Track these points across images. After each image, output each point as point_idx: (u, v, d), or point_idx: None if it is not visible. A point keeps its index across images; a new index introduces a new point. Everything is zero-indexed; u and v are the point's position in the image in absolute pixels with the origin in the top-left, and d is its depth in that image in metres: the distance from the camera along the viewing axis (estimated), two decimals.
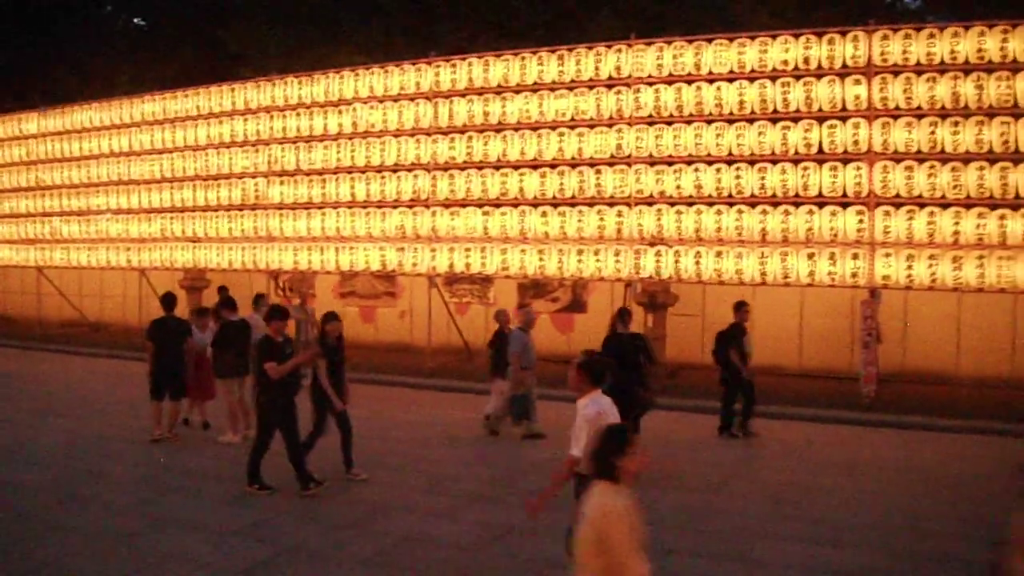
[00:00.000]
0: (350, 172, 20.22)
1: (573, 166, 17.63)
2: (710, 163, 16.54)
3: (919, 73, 15.47)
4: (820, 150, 15.92)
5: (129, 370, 20.36)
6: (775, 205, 16.11)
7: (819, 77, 15.96)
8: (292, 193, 21.17)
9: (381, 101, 19.86)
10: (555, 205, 17.78)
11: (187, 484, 10.73)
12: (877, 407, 15.35)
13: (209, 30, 29.56)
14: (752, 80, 16.32)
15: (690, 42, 16.75)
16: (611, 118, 17.36)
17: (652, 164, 16.97)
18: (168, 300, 13.70)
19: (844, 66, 15.84)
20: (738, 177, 16.31)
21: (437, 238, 19.11)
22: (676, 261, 16.66)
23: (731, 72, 16.46)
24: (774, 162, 16.12)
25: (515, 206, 18.16)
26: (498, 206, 18.36)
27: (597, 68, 17.42)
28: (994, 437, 13.87)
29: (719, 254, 16.36)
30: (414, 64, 19.49)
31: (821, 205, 15.86)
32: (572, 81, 17.65)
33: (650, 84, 17.01)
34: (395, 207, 19.64)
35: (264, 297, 17.41)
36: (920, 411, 15.17)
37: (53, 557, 8.06)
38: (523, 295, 21.12)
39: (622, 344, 11.12)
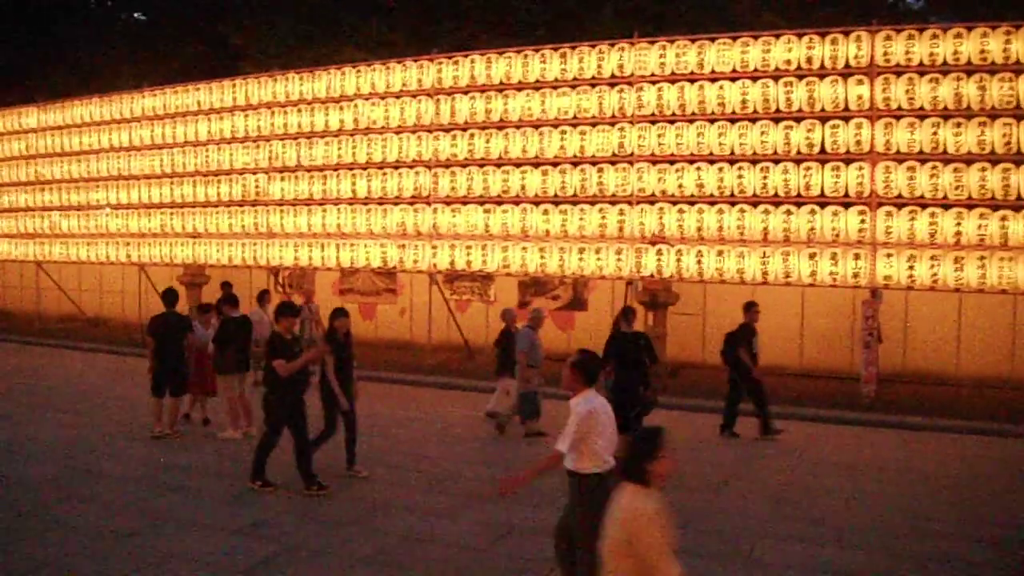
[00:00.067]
0: (351, 168, 20.21)
1: (575, 164, 17.62)
2: (712, 162, 16.54)
3: (922, 74, 15.49)
4: (822, 150, 15.94)
5: (128, 366, 20.35)
6: (777, 204, 16.12)
7: (822, 77, 15.97)
8: (293, 189, 21.16)
9: (383, 97, 19.85)
10: (557, 203, 17.78)
11: (187, 482, 10.66)
12: (877, 407, 15.36)
13: (210, 26, 29.51)
14: (755, 79, 16.32)
15: (693, 41, 16.75)
16: (613, 116, 17.36)
17: (654, 163, 16.97)
18: (169, 296, 13.60)
19: (847, 66, 15.85)
20: (740, 176, 16.30)
21: (438, 235, 19.10)
22: (678, 260, 16.66)
23: (734, 71, 16.46)
24: (776, 161, 16.12)
25: (517, 204, 18.15)
26: (500, 203, 18.36)
27: (600, 66, 17.41)
28: (994, 438, 13.89)
29: (721, 253, 16.36)
30: (416, 61, 19.48)
31: (823, 205, 15.86)
32: (575, 79, 17.65)
33: (653, 83, 17.00)
34: (396, 204, 19.63)
35: (268, 294, 17.44)
36: (920, 411, 15.19)
37: (53, 556, 7.99)
38: (524, 293, 21.12)
39: (625, 343, 11.10)
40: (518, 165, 18.15)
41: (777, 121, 16.18)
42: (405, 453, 12.25)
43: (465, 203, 18.78)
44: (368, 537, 8.66)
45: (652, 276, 16.97)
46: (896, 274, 15.44)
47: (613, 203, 17.29)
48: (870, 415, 14.96)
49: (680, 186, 16.75)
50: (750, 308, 13.77)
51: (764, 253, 16.09)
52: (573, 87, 17.67)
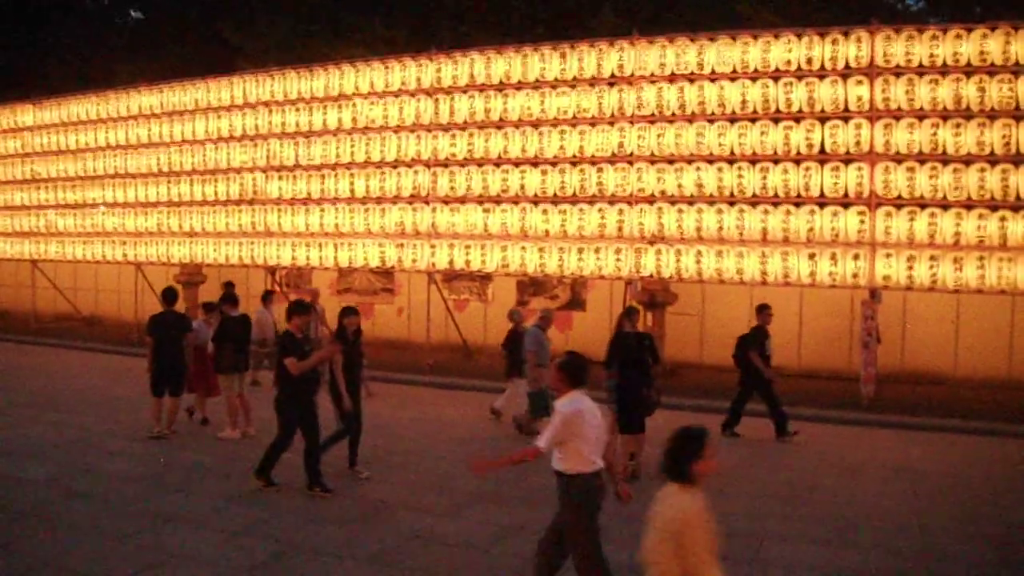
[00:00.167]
0: (349, 168, 20.16)
1: (574, 164, 17.60)
2: (712, 162, 16.53)
3: (921, 74, 15.48)
4: (822, 150, 15.93)
5: (124, 365, 20.29)
6: (776, 205, 16.11)
7: (822, 77, 15.96)
8: (291, 188, 21.11)
9: (382, 96, 19.79)
10: (556, 203, 17.76)
11: (187, 481, 10.65)
12: (877, 407, 15.37)
13: (207, 24, 29.45)
14: (755, 79, 16.31)
15: (693, 41, 16.73)
16: (613, 116, 17.34)
17: (654, 162, 16.95)
18: (169, 295, 13.58)
19: (847, 67, 15.85)
20: (740, 176, 16.30)
21: (437, 235, 19.06)
22: (677, 260, 16.65)
23: (734, 71, 16.45)
24: (776, 162, 16.11)
25: (516, 203, 18.13)
26: (499, 203, 18.33)
27: (599, 65, 17.40)
28: (993, 438, 13.89)
29: (720, 253, 16.36)
30: (415, 59, 19.44)
31: (822, 205, 15.87)
32: (574, 78, 17.62)
33: (652, 82, 16.98)
34: (395, 203, 19.59)
35: (273, 294, 17.40)
36: (919, 411, 15.20)
37: (54, 556, 7.97)
38: (522, 293, 21.12)
39: (628, 343, 11.08)
40: (517, 164, 18.12)
41: (777, 121, 16.17)
42: (405, 453, 12.24)
43: (464, 202, 18.74)
44: (370, 536, 8.66)
45: (651, 276, 16.96)
46: (895, 274, 15.44)
47: (612, 203, 17.27)
48: (870, 415, 14.96)
49: (679, 186, 16.73)
50: (763, 310, 13.66)
51: (763, 253, 16.09)
52: (572, 86, 17.65)
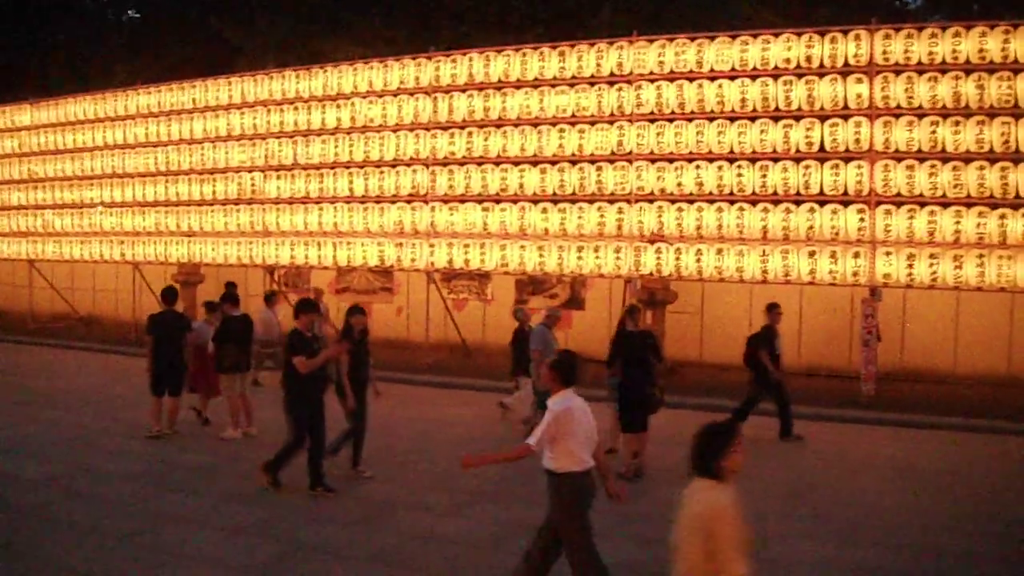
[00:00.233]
0: (348, 167, 20.15)
1: (574, 162, 17.59)
2: (711, 160, 16.54)
3: (921, 72, 15.51)
4: (822, 148, 15.95)
5: (122, 365, 20.27)
6: (776, 203, 16.13)
7: (821, 76, 15.97)
8: (289, 187, 21.09)
9: (380, 95, 19.78)
10: (555, 201, 17.75)
11: (189, 481, 10.63)
12: (877, 405, 15.36)
13: (205, 23, 29.38)
14: (754, 78, 16.33)
15: (692, 39, 16.74)
16: (612, 115, 17.35)
17: (653, 161, 16.96)
18: (168, 294, 13.54)
19: (846, 65, 15.86)
20: (739, 175, 16.31)
21: (436, 234, 19.05)
22: (677, 258, 16.65)
23: (733, 70, 16.46)
24: (776, 160, 16.13)
25: (515, 202, 18.12)
26: (498, 202, 18.32)
27: (599, 64, 17.40)
28: (993, 435, 13.89)
29: (720, 252, 16.36)
30: (414, 59, 19.43)
31: (822, 203, 15.88)
32: (573, 77, 17.62)
33: (652, 81, 16.99)
34: (394, 202, 19.58)
35: (277, 294, 17.36)
36: (920, 409, 15.19)
37: (56, 556, 7.94)
38: (521, 292, 21.09)
39: (632, 342, 11.07)
40: (516, 163, 18.11)
41: (776, 120, 16.19)
42: (407, 452, 12.21)
43: (463, 201, 18.73)
44: (373, 536, 8.66)
45: (651, 275, 16.95)
46: (895, 272, 15.46)
47: (612, 201, 17.28)
48: (870, 413, 14.95)
49: (679, 184, 16.74)
50: (772, 309, 13.55)
51: (763, 251, 16.10)
52: (572, 85, 17.64)
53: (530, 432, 13.02)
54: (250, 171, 21.77)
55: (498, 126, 18.35)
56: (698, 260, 16.50)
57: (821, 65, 15.96)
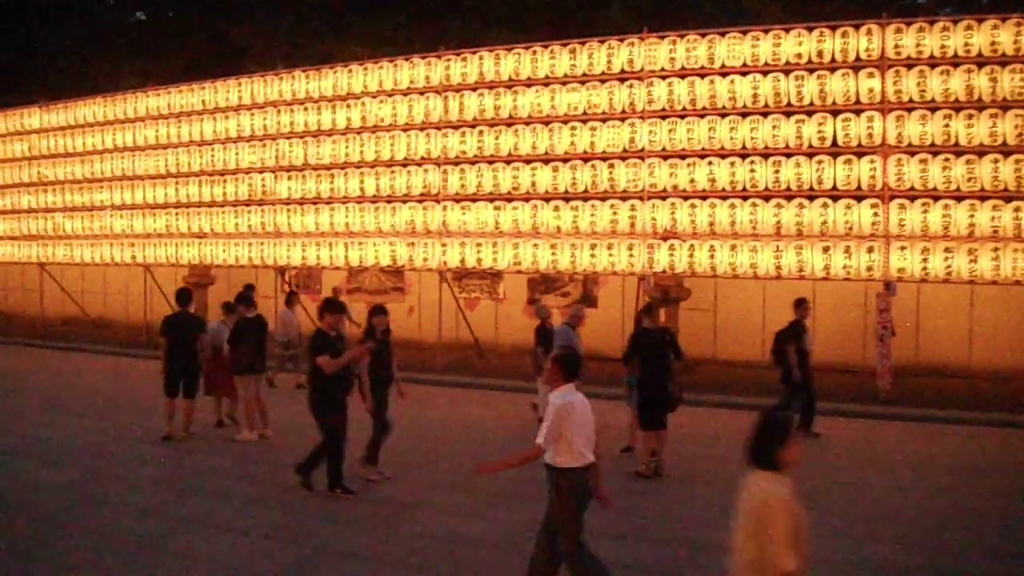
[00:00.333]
0: (359, 167, 20.15)
1: (585, 160, 17.58)
2: (724, 156, 16.52)
3: (933, 66, 15.46)
4: (834, 143, 15.92)
5: (134, 367, 20.31)
6: (789, 198, 16.10)
7: (833, 70, 15.93)
8: (300, 188, 21.09)
9: (390, 95, 19.77)
10: (567, 199, 17.74)
11: (206, 484, 10.62)
12: (894, 400, 15.33)
13: (212, 24, 29.40)
14: (765, 73, 16.30)
15: (703, 35, 16.71)
16: (623, 112, 17.33)
17: (665, 158, 16.94)
18: (183, 296, 13.50)
19: (858, 59, 15.83)
20: (752, 171, 16.28)
21: (448, 233, 19.04)
22: (690, 255, 16.62)
23: (744, 65, 16.43)
24: (788, 155, 16.10)
25: (527, 200, 18.10)
26: (510, 200, 18.31)
27: (609, 61, 17.39)
28: (1013, 429, 13.85)
29: (734, 248, 16.33)
30: (424, 58, 19.41)
31: (835, 198, 15.85)
32: (584, 74, 17.61)
33: (663, 78, 16.98)
34: (405, 202, 19.57)
35: (296, 294, 17.34)
36: (936, 404, 15.18)
37: (77, 561, 7.93)
38: (533, 290, 21.10)
39: (650, 340, 11.03)
40: (528, 162, 18.10)
41: (788, 115, 16.16)
42: (425, 453, 12.18)
43: (475, 200, 18.72)
44: (394, 538, 8.62)
45: (664, 272, 16.93)
46: (910, 267, 15.41)
47: (624, 199, 17.26)
48: (886, 408, 14.94)
49: (692, 181, 16.71)
50: (800, 305, 13.41)
51: (777, 247, 16.05)
52: (583, 83, 17.62)
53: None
54: (260, 172, 21.77)
55: (509, 124, 18.33)
56: (711, 257, 16.47)
57: (833, 60, 15.92)
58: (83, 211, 25.44)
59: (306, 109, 20.97)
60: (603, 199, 17.43)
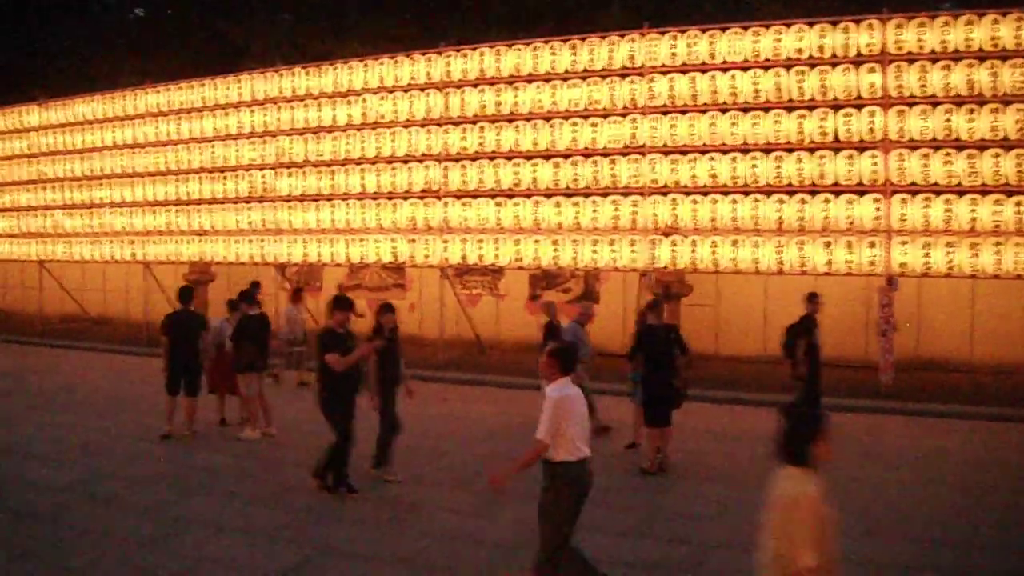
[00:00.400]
0: (359, 163, 20.12)
1: (587, 156, 17.56)
2: (725, 152, 16.50)
3: (934, 61, 15.45)
4: (836, 138, 15.90)
5: (134, 365, 20.29)
6: (791, 194, 16.09)
7: (834, 65, 15.91)
8: (300, 185, 21.06)
9: (391, 91, 19.74)
10: (569, 195, 17.72)
11: (210, 483, 10.60)
12: (896, 395, 15.33)
13: (212, 23, 29.33)
14: (767, 69, 16.27)
15: (704, 31, 16.69)
16: (625, 108, 17.31)
17: (667, 153, 16.93)
18: (184, 293, 13.48)
19: (859, 54, 15.82)
20: (754, 166, 16.27)
21: (449, 229, 19.02)
22: (692, 251, 16.62)
23: (745, 61, 16.40)
24: (790, 150, 16.09)
25: (528, 196, 18.08)
26: (511, 196, 18.28)
27: (610, 57, 17.37)
28: (1015, 424, 13.84)
29: (735, 243, 16.32)
30: (424, 54, 19.36)
31: (837, 193, 15.85)
32: (585, 70, 17.59)
33: (664, 73, 16.95)
34: (406, 198, 19.54)
35: (303, 291, 17.31)
36: (939, 398, 15.17)
37: (81, 563, 7.92)
38: (534, 286, 21.09)
39: (656, 336, 11.02)
40: (529, 158, 18.07)
41: (790, 110, 16.14)
42: (429, 451, 12.13)
43: (476, 196, 18.69)
44: (399, 538, 8.62)
45: (666, 267, 16.93)
46: (912, 261, 15.41)
47: (626, 195, 17.25)
48: (889, 403, 14.93)
49: (693, 177, 16.70)
50: (812, 299, 13.15)
51: (779, 243, 16.05)
52: (584, 78, 17.60)
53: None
54: (261, 169, 21.74)
55: (510, 120, 18.30)
56: (713, 252, 16.46)
57: (834, 55, 15.91)
58: (83, 208, 25.39)
59: (306, 106, 20.93)
60: (604, 195, 17.42)
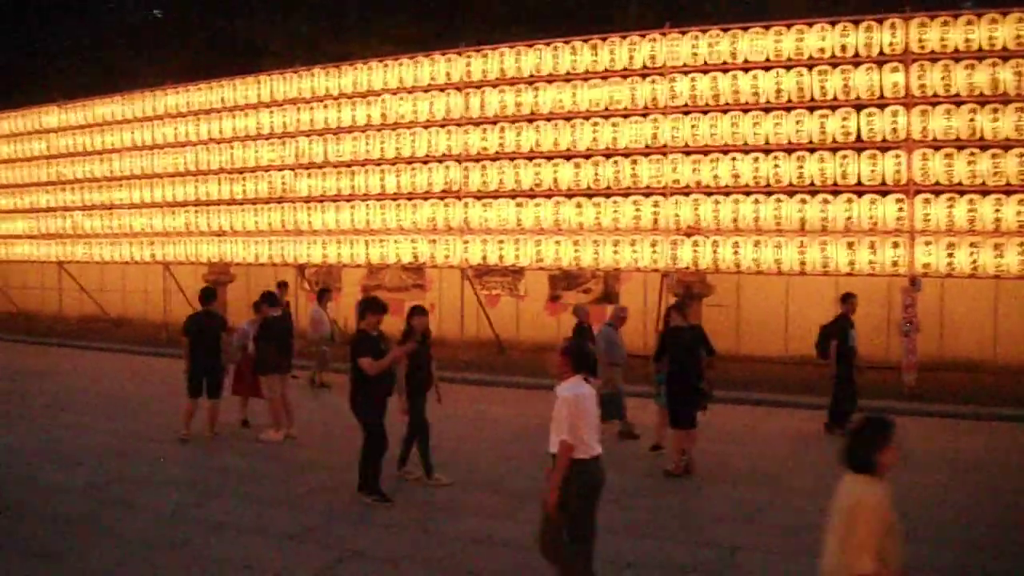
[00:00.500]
0: (379, 164, 20.16)
1: (608, 156, 17.56)
2: (747, 152, 16.47)
3: (957, 60, 15.39)
4: (858, 138, 15.86)
5: (153, 366, 20.31)
6: (813, 194, 16.06)
7: (856, 65, 15.87)
8: (320, 185, 21.12)
9: (410, 91, 19.77)
10: (590, 196, 17.72)
11: (233, 486, 10.52)
12: (919, 396, 15.25)
13: (228, 22, 29.39)
14: (788, 68, 16.25)
15: (725, 30, 16.65)
16: (646, 107, 17.31)
17: (688, 154, 16.91)
18: (206, 294, 13.37)
19: (881, 53, 15.76)
20: (776, 166, 16.23)
21: (469, 230, 19.02)
22: (714, 251, 16.60)
23: (767, 60, 16.38)
24: (812, 150, 16.05)
25: (549, 197, 18.09)
26: (532, 197, 18.29)
27: (631, 57, 17.35)
28: None
29: (757, 244, 16.28)
30: (444, 54, 19.38)
31: (860, 193, 15.81)
32: (606, 70, 17.58)
33: (685, 73, 16.93)
34: (426, 199, 19.57)
35: (329, 292, 17.30)
36: (962, 399, 15.10)
37: (104, 567, 7.85)
38: (554, 287, 21.06)
39: (681, 337, 10.96)
40: (550, 158, 18.07)
41: (812, 110, 16.10)
42: (452, 452, 12.03)
43: (496, 197, 18.71)
44: (427, 541, 8.56)
45: (688, 268, 16.88)
46: (935, 262, 15.35)
47: (647, 195, 17.23)
48: (912, 404, 14.83)
49: (715, 177, 16.68)
50: (847, 299, 13.20)
51: (801, 243, 16.00)
52: (604, 78, 17.60)
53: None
54: (280, 170, 21.81)
55: (530, 121, 18.31)
56: (735, 253, 16.43)
57: (856, 54, 15.86)
58: (102, 209, 25.49)
59: (326, 106, 20.98)
60: (625, 195, 17.40)
